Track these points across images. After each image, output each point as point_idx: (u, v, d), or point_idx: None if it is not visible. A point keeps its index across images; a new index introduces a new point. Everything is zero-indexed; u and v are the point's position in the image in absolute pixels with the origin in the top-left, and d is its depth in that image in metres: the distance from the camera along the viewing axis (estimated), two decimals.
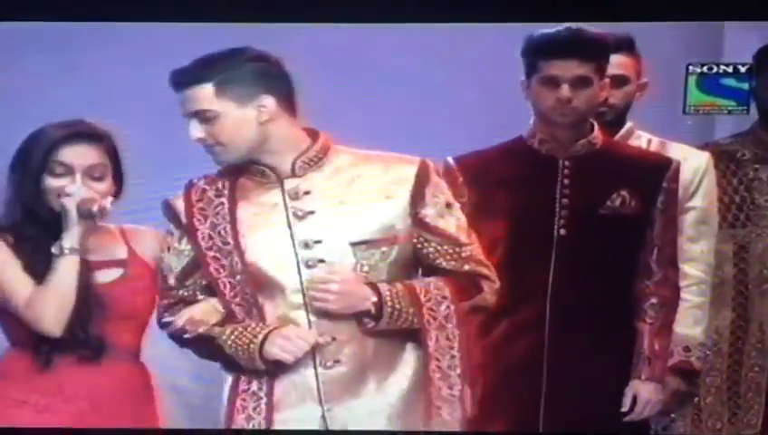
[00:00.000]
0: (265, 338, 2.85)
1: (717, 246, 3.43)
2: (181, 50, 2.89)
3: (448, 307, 2.88)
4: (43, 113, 3.03)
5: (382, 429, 2.90)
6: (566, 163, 3.22)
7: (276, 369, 2.88)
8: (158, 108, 2.97)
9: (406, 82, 3.18)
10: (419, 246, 2.92)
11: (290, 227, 2.88)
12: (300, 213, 2.88)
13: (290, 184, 2.90)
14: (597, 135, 3.26)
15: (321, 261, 2.87)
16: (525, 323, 3.17)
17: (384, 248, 2.88)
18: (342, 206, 2.89)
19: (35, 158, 2.98)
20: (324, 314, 2.86)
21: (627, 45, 3.39)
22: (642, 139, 3.45)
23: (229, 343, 2.87)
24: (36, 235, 2.99)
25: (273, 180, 2.91)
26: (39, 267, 2.98)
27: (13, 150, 2.98)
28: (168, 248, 2.98)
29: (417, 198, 2.89)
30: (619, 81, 3.39)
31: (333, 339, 2.87)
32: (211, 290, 2.94)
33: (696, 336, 3.37)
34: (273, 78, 2.86)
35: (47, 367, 3.01)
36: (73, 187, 2.96)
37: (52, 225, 2.98)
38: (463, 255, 2.94)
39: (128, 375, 3.07)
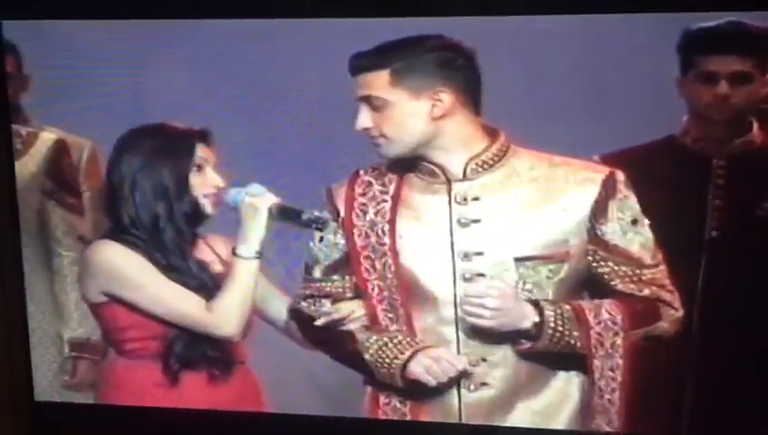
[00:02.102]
0: (412, 356, 2.72)
1: None
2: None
3: (617, 334, 2.70)
4: (161, 112, 3.08)
5: None
6: (720, 163, 3.09)
7: (414, 389, 2.76)
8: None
9: (551, 77, 3.08)
10: (594, 264, 2.74)
11: (451, 234, 2.74)
12: (464, 220, 2.73)
13: (458, 188, 2.74)
14: (756, 133, 3.11)
15: (480, 275, 2.72)
16: (671, 331, 3.02)
17: (552, 266, 2.71)
18: (512, 215, 2.72)
19: (181, 152, 2.98)
20: (476, 333, 2.71)
21: None
22: None
23: (371, 351, 2.76)
24: (172, 239, 2.98)
25: (441, 181, 2.76)
26: (178, 274, 2.99)
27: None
28: (321, 239, 2.87)
29: (599, 211, 2.71)
30: None
31: (483, 360, 2.73)
32: (360, 289, 2.83)
33: None
34: (456, 70, 2.71)
35: (174, 384, 3.03)
36: (256, 187, 2.94)
37: (190, 222, 3.00)
38: (643, 278, 2.74)
39: (251, 385, 3.08)
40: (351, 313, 2.81)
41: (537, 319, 2.67)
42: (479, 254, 2.71)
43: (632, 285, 2.74)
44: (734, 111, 3.07)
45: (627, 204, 2.74)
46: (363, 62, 2.72)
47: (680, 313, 2.78)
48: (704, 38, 3.05)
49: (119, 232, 3.01)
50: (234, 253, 2.95)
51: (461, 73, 2.71)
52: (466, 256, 2.72)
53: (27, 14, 3.22)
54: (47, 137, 3.32)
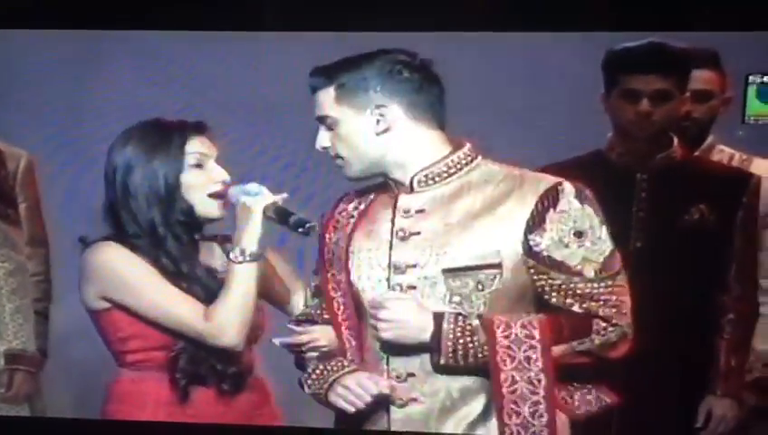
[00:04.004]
0: (331, 385, 2.62)
1: None
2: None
3: (533, 348, 2.52)
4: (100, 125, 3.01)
5: None
6: (644, 177, 3.22)
7: (344, 414, 2.63)
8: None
9: (483, 92, 3.15)
10: (534, 277, 2.57)
11: (390, 247, 2.61)
12: (402, 233, 2.60)
13: (403, 200, 2.62)
14: (676, 149, 3.25)
15: (412, 287, 2.57)
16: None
17: (481, 277, 2.55)
18: (450, 227, 2.57)
19: (171, 151, 2.75)
20: (394, 347, 2.58)
21: (712, 60, 3.38)
22: (725, 153, 3.43)
23: (309, 382, 2.67)
24: (174, 246, 2.76)
25: (393, 195, 2.64)
26: (187, 282, 2.76)
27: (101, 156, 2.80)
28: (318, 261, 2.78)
29: (535, 222, 2.54)
30: (704, 96, 3.37)
31: (411, 375, 2.60)
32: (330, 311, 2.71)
33: None
34: (403, 82, 2.58)
35: (185, 400, 2.78)
36: (253, 186, 2.75)
37: (188, 226, 2.79)
38: (578, 291, 2.55)
39: (264, 397, 2.90)
40: (312, 340, 2.72)
41: (433, 330, 2.53)
42: (412, 266, 2.58)
43: (567, 299, 2.56)
44: (656, 128, 3.20)
45: (570, 215, 2.57)
46: (313, 82, 2.64)
47: (619, 329, 2.58)
48: (626, 57, 3.17)
49: (123, 237, 2.77)
50: (227, 256, 2.76)
51: (409, 86, 2.60)
52: (398, 269, 2.59)
53: None
54: None
